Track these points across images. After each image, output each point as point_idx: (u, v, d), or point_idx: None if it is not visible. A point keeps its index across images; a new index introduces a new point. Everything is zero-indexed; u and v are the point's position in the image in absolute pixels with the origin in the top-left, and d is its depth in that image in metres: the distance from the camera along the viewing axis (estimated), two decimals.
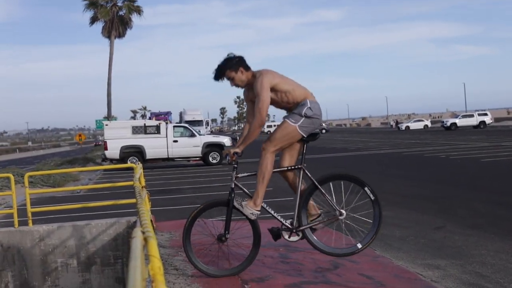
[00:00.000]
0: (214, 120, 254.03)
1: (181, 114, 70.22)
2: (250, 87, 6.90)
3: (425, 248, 9.57)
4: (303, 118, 6.73)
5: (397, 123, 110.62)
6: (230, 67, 6.80)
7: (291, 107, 6.85)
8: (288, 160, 6.95)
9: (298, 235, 6.89)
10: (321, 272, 7.61)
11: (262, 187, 6.74)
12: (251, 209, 6.74)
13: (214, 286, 6.48)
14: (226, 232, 6.78)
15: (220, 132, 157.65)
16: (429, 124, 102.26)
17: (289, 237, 6.91)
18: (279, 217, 6.92)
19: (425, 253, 9.26)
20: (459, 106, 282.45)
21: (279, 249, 8.85)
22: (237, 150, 6.72)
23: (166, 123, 33.83)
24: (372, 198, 6.86)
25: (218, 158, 33.46)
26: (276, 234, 6.90)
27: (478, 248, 9.33)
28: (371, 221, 6.92)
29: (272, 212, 6.95)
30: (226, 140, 34.07)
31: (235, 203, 6.77)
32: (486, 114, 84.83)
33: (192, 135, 33.57)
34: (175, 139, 33.32)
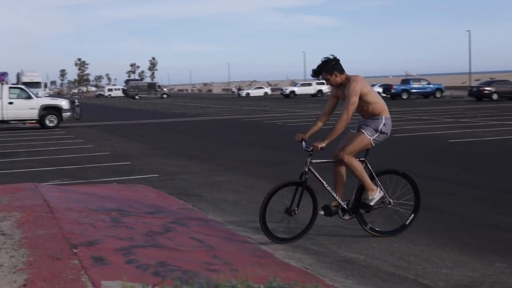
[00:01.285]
0: (53, 83, 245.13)
1: (18, 75, 67.41)
2: (340, 87, 7.85)
3: (256, 212, 9.82)
4: (378, 133, 7.88)
5: (239, 89, 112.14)
6: (326, 70, 7.79)
7: (367, 114, 7.89)
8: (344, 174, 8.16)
9: (350, 214, 8.10)
10: (152, 236, 7.68)
11: (365, 180, 7.93)
12: (372, 195, 7.97)
13: (42, 250, 6.38)
14: (296, 208, 7.85)
15: (59, 95, 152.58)
16: (269, 92, 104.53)
17: (343, 215, 8.13)
18: (338, 199, 8.04)
19: (255, 216, 9.51)
20: (299, 75, 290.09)
21: (111, 213, 8.82)
22: (323, 145, 7.71)
23: (2, 84, 32.29)
24: (416, 194, 8.22)
25: (56, 121, 32.48)
26: (329, 211, 8.06)
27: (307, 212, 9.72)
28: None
29: (333, 193, 8.04)
30: (64, 103, 33.13)
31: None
32: (323, 83, 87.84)
33: (29, 97, 32.33)
34: (11, 101, 31.95)
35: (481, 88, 56.55)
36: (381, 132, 7.88)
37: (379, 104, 7.89)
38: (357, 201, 8.09)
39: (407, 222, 8.20)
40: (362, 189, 8.09)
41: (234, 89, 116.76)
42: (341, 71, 7.85)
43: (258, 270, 6.38)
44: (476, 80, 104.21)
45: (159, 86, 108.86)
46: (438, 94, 67.02)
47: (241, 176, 13.78)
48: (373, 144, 7.92)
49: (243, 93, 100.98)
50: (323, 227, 8.69)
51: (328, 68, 7.79)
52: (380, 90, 70.55)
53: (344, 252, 7.44)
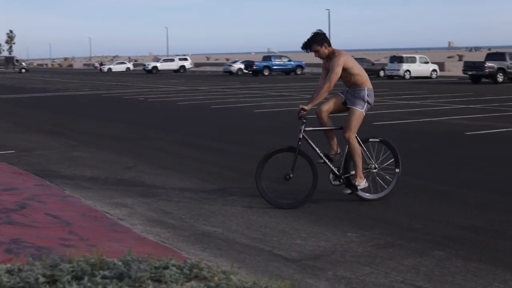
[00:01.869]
0: None
1: None
2: (327, 59, 8.59)
3: (115, 187, 9.75)
4: (366, 104, 8.63)
5: (101, 64, 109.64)
6: (317, 42, 8.50)
7: (351, 85, 8.62)
8: (331, 123, 8.75)
9: (340, 181, 8.71)
10: (5, 213, 7.43)
11: (359, 163, 8.56)
12: (360, 182, 8.55)
13: None
14: (291, 172, 8.42)
15: None
16: (132, 67, 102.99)
17: (333, 181, 8.77)
18: (331, 166, 8.70)
19: (114, 192, 9.44)
20: (162, 50, 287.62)
21: None
22: (305, 107, 8.43)
23: None
24: (398, 160, 8.95)
25: None
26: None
27: (165, 187, 9.74)
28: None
29: (328, 161, 8.71)
30: None
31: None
32: (186, 59, 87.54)
33: None
34: None
35: None
36: (368, 103, 8.65)
37: (361, 76, 8.65)
38: (345, 169, 8.73)
39: (392, 184, 8.89)
40: (349, 160, 8.71)
41: (97, 64, 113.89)
42: (329, 44, 8.61)
43: (115, 244, 6.33)
44: None
45: (17, 60, 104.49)
46: (298, 71, 68.51)
47: (99, 152, 13.56)
48: (365, 113, 8.74)
49: (105, 68, 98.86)
50: (180, 202, 8.73)
51: (319, 40, 8.52)
52: (242, 66, 71.34)
53: (201, 226, 7.50)
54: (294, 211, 8.16)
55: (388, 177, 8.92)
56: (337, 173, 8.73)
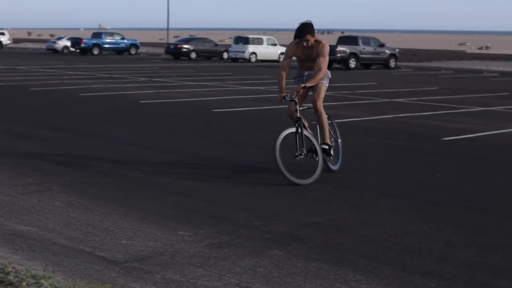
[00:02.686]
0: None
1: None
2: (305, 47, 10.42)
3: None
4: (328, 79, 10.86)
5: None
6: (310, 32, 10.29)
7: (314, 68, 10.56)
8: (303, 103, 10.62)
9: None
10: None
11: (327, 129, 10.62)
12: (329, 142, 10.54)
13: None
14: (301, 151, 10.00)
15: None
16: None
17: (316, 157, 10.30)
18: (314, 141, 10.30)
19: None
20: None
21: None
22: (304, 85, 10.24)
23: None
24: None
25: None
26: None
27: None
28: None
29: (312, 139, 10.33)
30: None
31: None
32: (3, 34, 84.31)
33: None
34: None
35: (178, 46, 58.29)
36: (329, 77, 10.90)
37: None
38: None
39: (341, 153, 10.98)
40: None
41: None
42: (314, 33, 10.45)
43: None
44: (175, 37, 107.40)
45: None
46: (133, 51, 67.86)
47: None
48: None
49: None
50: None
51: (311, 30, 10.34)
52: (68, 44, 69.75)
53: (13, 225, 7.28)
54: (121, 207, 8.11)
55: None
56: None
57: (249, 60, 53.75)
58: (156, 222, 7.49)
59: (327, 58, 10.50)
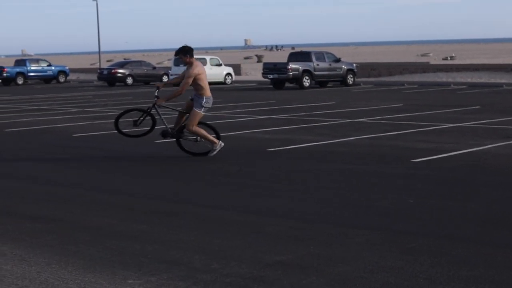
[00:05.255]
0: None
1: None
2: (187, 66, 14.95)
3: None
4: (203, 108, 14.83)
5: None
6: (186, 53, 14.89)
7: (196, 91, 14.80)
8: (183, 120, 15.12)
9: (173, 137, 15.37)
10: None
11: (207, 136, 14.96)
12: (215, 146, 15.03)
13: None
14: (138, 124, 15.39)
15: None
16: None
17: (166, 137, 15.51)
18: (167, 124, 15.28)
19: None
20: None
21: None
22: (163, 102, 15.38)
23: None
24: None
25: None
26: (165, 133, 15.36)
27: None
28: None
29: (165, 122, 15.39)
30: None
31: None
32: None
33: None
34: None
35: (113, 71, 57.93)
36: (204, 106, 14.80)
37: (206, 88, 14.88)
38: (178, 132, 15.19)
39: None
40: (183, 128, 15.09)
41: None
42: (192, 55, 14.91)
43: None
44: (108, 60, 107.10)
45: None
46: (61, 78, 67.33)
47: None
48: (204, 113, 15.04)
49: None
50: None
51: (189, 52, 14.89)
52: None
53: None
54: (60, 255, 7.99)
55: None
56: (169, 130, 15.26)
57: None
58: (101, 271, 7.40)
59: (187, 80, 14.73)
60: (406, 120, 23.05)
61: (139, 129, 15.66)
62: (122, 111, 16.01)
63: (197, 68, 14.75)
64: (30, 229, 9.30)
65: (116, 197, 11.57)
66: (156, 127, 15.86)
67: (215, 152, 14.98)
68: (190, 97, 15.10)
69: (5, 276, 7.31)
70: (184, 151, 15.40)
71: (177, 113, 15.70)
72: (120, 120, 15.67)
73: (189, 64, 14.82)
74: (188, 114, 14.91)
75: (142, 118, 15.39)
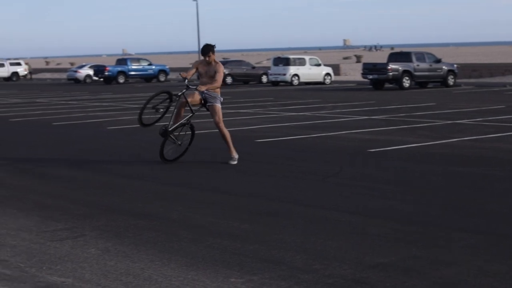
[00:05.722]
0: None
1: None
2: (207, 63, 14.74)
3: None
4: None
5: None
6: (212, 50, 14.68)
7: (213, 90, 14.75)
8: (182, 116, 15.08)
9: (165, 134, 14.74)
10: None
11: (230, 142, 14.85)
12: (234, 155, 14.93)
13: None
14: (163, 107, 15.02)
15: None
16: None
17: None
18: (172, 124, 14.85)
19: None
20: None
21: None
22: (204, 89, 14.56)
23: None
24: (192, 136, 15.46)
25: None
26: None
27: None
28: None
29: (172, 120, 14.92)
30: None
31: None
32: (19, 64, 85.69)
33: None
34: None
35: None
36: (221, 102, 14.96)
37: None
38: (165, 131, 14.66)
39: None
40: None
41: None
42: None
43: None
44: None
45: None
46: (162, 77, 68.40)
47: None
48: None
49: None
50: (17, 246, 8.50)
51: (214, 49, 14.68)
52: (91, 72, 70.50)
53: (46, 276, 7.31)
54: (163, 252, 8.09)
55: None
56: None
57: (291, 83, 53.83)
58: (203, 269, 7.46)
59: (221, 76, 14.70)
60: (508, 122, 22.56)
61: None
62: (149, 98, 14.97)
63: (222, 65, 15.03)
64: (134, 226, 9.44)
65: (218, 196, 11.62)
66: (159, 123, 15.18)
67: (235, 162, 14.70)
68: (197, 91, 14.67)
69: (110, 272, 7.43)
70: (161, 151, 14.78)
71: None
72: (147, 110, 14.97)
73: (214, 62, 14.73)
74: (190, 108, 14.91)
75: (167, 104, 14.94)
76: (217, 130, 14.95)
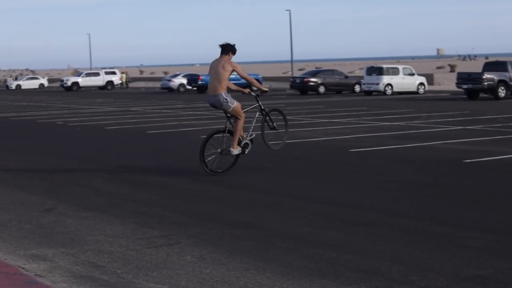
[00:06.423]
0: None
1: None
2: (225, 62, 14.78)
3: (30, 235, 9.60)
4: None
5: (16, 78, 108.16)
6: (233, 51, 14.99)
7: (224, 90, 15.08)
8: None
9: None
10: None
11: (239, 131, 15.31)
12: (236, 150, 14.90)
13: None
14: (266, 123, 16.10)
15: None
16: (46, 83, 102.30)
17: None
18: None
19: (29, 241, 9.29)
20: (84, 62, 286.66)
21: None
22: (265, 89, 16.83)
23: None
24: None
25: None
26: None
27: (94, 234, 9.62)
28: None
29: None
30: None
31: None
32: (114, 73, 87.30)
33: None
34: None
35: (305, 79, 58.58)
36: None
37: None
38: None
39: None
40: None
41: (9, 79, 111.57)
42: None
43: None
44: (300, 69, 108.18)
45: None
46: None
47: (9, 190, 13.35)
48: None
49: (13, 85, 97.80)
50: (114, 252, 8.63)
51: (235, 49, 15.04)
52: (184, 81, 71.28)
53: (142, 282, 7.41)
54: (258, 261, 8.11)
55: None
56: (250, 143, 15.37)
57: (384, 93, 53.33)
58: (299, 278, 7.45)
59: (245, 72, 15.60)
60: None
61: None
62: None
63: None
64: (229, 235, 9.50)
65: (312, 205, 11.60)
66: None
67: (235, 152, 14.87)
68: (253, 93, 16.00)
69: (205, 280, 7.49)
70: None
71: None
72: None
73: (231, 62, 14.91)
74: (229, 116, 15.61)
75: (268, 119, 16.08)
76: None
